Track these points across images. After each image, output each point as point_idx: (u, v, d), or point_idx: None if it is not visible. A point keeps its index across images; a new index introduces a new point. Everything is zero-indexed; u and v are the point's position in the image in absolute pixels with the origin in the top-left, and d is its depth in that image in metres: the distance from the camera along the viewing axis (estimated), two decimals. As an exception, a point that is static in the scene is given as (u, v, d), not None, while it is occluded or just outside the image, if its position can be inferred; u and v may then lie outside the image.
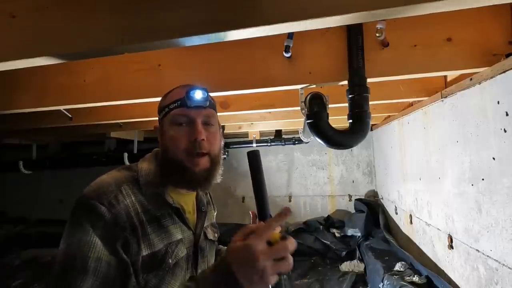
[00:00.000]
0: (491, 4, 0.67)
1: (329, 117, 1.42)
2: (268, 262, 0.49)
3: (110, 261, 0.58)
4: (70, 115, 2.24)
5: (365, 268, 2.89)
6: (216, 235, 0.86)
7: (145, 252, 0.63)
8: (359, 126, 1.32)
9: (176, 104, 0.70)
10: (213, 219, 0.89)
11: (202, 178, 0.69)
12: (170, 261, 0.67)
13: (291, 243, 0.52)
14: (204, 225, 0.79)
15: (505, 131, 1.23)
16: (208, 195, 0.91)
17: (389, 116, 3.02)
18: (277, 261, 0.50)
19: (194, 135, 0.68)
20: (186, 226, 0.73)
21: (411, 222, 2.53)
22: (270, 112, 2.63)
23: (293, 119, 2.70)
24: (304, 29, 0.69)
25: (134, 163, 0.74)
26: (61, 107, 1.75)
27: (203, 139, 0.68)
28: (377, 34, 1.24)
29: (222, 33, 0.70)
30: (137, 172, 0.70)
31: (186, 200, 0.76)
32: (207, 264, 0.79)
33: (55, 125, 2.42)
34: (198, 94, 0.69)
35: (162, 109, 0.73)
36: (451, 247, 1.78)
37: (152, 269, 0.64)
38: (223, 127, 3.02)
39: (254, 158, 0.63)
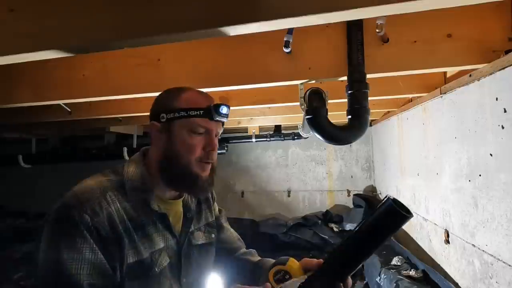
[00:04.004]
0: (491, 0, 0.67)
1: (329, 113, 1.42)
2: None
3: (100, 271, 0.58)
4: (69, 109, 2.23)
5: (362, 262, 2.92)
6: (212, 235, 0.83)
7: (131, 259, 0.62)
8: (358, 122, 1.32)
9: (198, 113, 0.68)
10: (210, 218, 0.86)
11: (207, 184, 0.71)
12: (157, 269, 0.66)
13: None
14: (193, 229, 0.78)
15: (502, 127, 1.24)
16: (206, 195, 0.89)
17: (388, 112, 3.02)
18: None
19: (211, 146, 0.69)
20: (171, 234, 0.71)
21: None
22: (269, 107, 2.63)
23: (293, 115, 2.70)
24: (304, 25, 0.70)
25: (122, 164, 0.72)
26: (61, 101, 1.75)
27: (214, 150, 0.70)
28: (377, 30, 1.23)
29: (222, 29, 0.69)
30: (123, 176, 0.68)
31: (172, 207, 0.75)
32: (198, 269, 0.77)
33: (55, 119, 2.42)
34: (225, 110, 0.70)
35: (175, 110, 0.68)
36: (447, 241, 1.80)
37: (138, 277, 0.63)
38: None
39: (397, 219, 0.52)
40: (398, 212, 0.51)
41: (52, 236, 0.59)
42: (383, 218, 0.54)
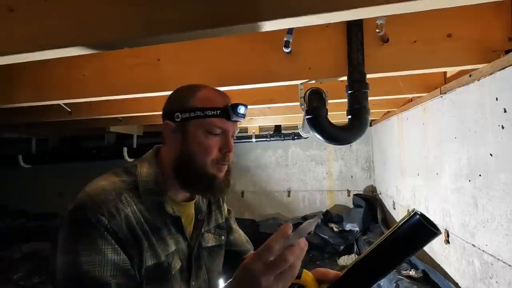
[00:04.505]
0: (491, 0, 0.67)
1: (329, 113, 1.42)
2: (270, 281, 0.49)
3: (123, 271, 0.57)
4: (69, 109, 2.24)
5: (362, 262, 2.92)
6: (222, 237, 0.82)
7: (150, 262, 0.62)
8: (358, 122, 1.32)
9: (215, 113, 0.65)
10: (220, 219, 0.83)
11: (224, 185, 0.69)
12: (173, 272, 0.66)
13: (292, 254, 0.50)
14: (204, 230, 0.77)
15: (502, 127, 1.24)
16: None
17: (388, 112, 3.02)
18: (280, 273, 0.49)
19: (227, 148, 0.67)
20: (183, 236, 0.70)
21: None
22: (269, 107, 2.63)
23: (293, 115, 2.70)
24: (304, 25, 0.70)
25: (133, 164, 0.70)
26: (60, 101, 1.75)
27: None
28: (377, 30, 1.23)
29: (222, 29, 0.69)
30: (136, 177, 0.66)
31: (185, 210, 0.73)
32: (208, 272, 0.76)
33: (55, 119, 2.42)
34: (243, 110, 0.68)
35: (191, 109, 0.66)
36: (447, 241, 1.80)
37: (155, 280, 0.62)
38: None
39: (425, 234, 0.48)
40: (428, 229, 0.48)
41: (70, 240, 0.57)
42: (410, 235, 0.50)
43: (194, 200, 0.76)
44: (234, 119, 0.67)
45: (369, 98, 1.32)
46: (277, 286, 0.49)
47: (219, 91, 0.71)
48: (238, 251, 0.89)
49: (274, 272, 0.49)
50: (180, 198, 0.72)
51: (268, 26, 0.69)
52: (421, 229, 0.48)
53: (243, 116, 0.69)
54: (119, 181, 0.64)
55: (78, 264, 0.54)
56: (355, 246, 3.32)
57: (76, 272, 0.54)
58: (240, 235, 0.91)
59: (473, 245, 1.51)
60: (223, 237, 0.82)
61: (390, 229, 0.53)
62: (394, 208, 3.03)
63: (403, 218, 0.52)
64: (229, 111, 0.66)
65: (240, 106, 0.67)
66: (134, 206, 0.62)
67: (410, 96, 2.27)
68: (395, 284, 1.96)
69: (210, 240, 0.78)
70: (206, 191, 0.70)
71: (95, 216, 0.56)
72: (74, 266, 0.54)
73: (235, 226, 0.91)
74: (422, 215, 0.50)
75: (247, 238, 0.93)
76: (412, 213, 0.50)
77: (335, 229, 3.68)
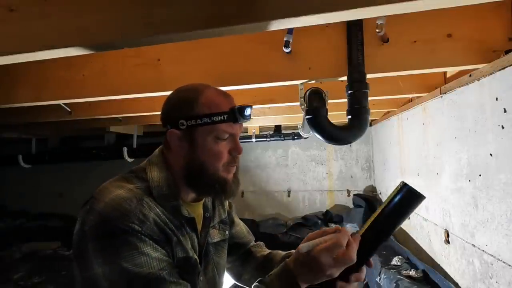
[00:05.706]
0: (491, 0, 0.67)
1: (329, 113, 1.42)
2: (332, 271, 0.56)
3: (168, 262, 0.61)
4: (69, 109, 2.24)
5: (362, 262, 2.92)
6: (226, 232, 0.83)
7: (180, 254, 0.65)
8: (358, 122, 1.32)
9: (223, 118, 0.65)
10: (223, 214, 0.85)
11: (234, 186, 0.71)
12: (200, 267, 0.68)
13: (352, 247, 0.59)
14: (210, 226, 0.79)
15: (502, 127, 1.24)
16: None
17: (388, 112, 3.02)
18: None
19: (237, 151, 0.68)
20: (196, 235, 0.72)
21: (408, 217, 2.55)
22: (269, 107, 2.63)
23: (293, 115, 2.70)
24: (304, 25, 0.70)
25: (141, 167, 0.71)
26: (60, 101, 1.75)
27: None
28: (377, 30, 1.23)
29: (222, 29, 0.69)
30: (149, 182, 0.67)
31: (195, 209, 0.75)
32: (215, 266, 0.78)
33: (55, 119, 2.42)
34: (249, 112, 0.68)
35: (197, 116, 0.65)
36: (447, 241, 1.80)
37: (186, 274, 0.64)
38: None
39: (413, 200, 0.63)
40: (416, 193, 0.62)
41: (109, 251, 0.57)
42: (404, 200, 0.63)
43: (203, 200, 0.77)
44: (241, 121, 0.68)
45: (369, 98, 1.32)
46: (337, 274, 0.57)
47: (221, 91, 0.71)
48: (240, 243, 0.91)
49: (341, 267, 0.57)
50: (190, 199, 0.74)
51: (268, 26, 0.69)
52: (411, 195, 0.63)
53: (250, 117, 0.69)
54: (134, 188, 0.64)
55: (126, 270, 0.55)
56: (355, 246, 3.32)
57: (126, 277, 0.56)
58: (241, 227, 0.94)
59: (473, 245, 1.51)
60: (227, 232, 0.84)
61: (386, 199, 0.64)
62: (394, 208, 3.03)
63: (396, 189, 0.64)
64: (236, 114, 0.66)
65: (246, 108, 0.68)
66: (157, 209, 0.64)
67: (410, 96, 2.27)
68: (395, 284, 1.96)
69: (215, 235, 0.80)
70: (219, 195, 0.71)
71: (126, 225, 0.57)
72: (122, 273, 0.56)
73: (236, 219, 0.93)
74: (409, 185, 0.63)
75: (248, 228, 0.96)
76: (402, 184, 0.63)
77: (335, 229, 3.68)
